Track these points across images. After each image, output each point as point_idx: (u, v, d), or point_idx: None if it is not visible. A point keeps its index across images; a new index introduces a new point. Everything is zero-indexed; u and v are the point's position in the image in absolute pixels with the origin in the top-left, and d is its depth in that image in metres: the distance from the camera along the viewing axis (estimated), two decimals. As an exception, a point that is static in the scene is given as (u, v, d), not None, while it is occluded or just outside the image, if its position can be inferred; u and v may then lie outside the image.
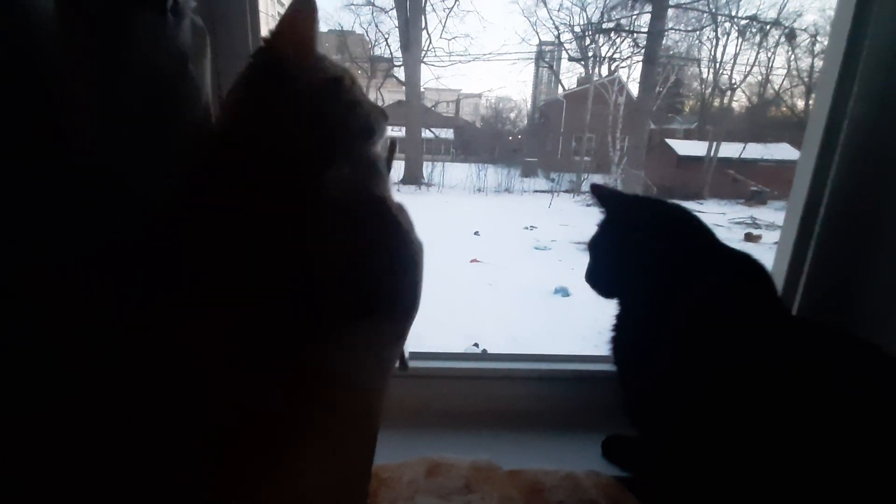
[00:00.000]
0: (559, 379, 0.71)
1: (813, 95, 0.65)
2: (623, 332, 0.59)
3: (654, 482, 0.58)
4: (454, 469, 0.55)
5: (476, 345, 2.66)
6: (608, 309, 0.63)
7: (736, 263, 0.54)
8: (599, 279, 0.60)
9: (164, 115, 0.29)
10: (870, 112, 0.59)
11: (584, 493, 0.55)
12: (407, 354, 0.42)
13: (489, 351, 2.73)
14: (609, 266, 0.59)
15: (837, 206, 0.62)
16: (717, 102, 13.46)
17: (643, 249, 0.54)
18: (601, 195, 0.60)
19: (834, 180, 0.61)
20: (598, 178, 11.27)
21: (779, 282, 0.67)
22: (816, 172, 0.62)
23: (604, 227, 0.61)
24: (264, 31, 0.58)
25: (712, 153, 11.19)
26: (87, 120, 0.26)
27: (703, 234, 0.55)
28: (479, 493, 0.52)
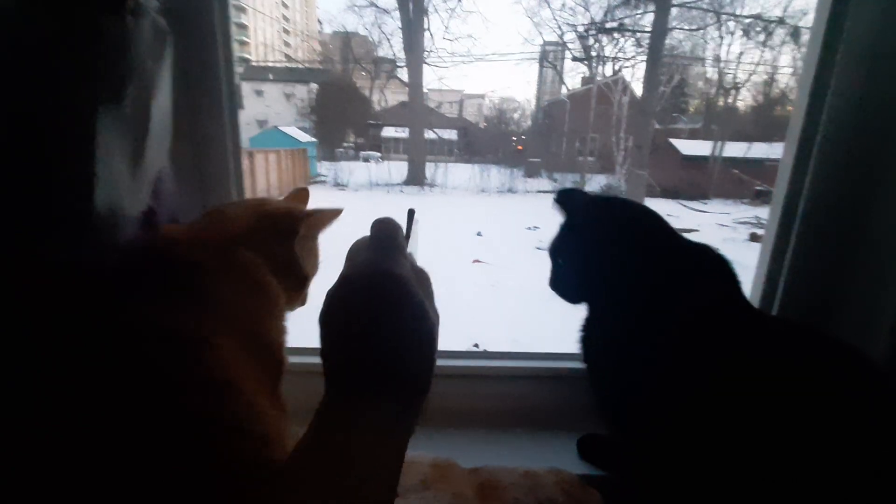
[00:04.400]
0: (536, 377, 0.71)
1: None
2: (592, 334, 0.57)
3: (624, 482, 0.58)
4: (414, 466, 0.54)
5: (476, 345, 2.65)
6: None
7: (699, 259, 0.53)
8: (564, 285, 0.58)
9: (117, 119, 0.29)
10: (847, 108, 0.58)
11: (542, 491, 0.54)
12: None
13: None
14: (573, 271, 0.58)
15: (817, 205, 0.61)
16: (721, 102, 13.42)
17: (606, 251, 0.53)
18: (563, 199, 0.58)
19: (812, 179, 0.61)
20: (601, 179, 11.25)
21: (760, 280, 0.67)
22: (795, 171, 0.62)
23: (565, 230, 0.59)
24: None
25: (717, 153, 11.13)
26: (52, 124, 0.26)
27: (663, 230, 0.54)
28: (434, 490, 0.51)
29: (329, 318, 0.30)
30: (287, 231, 0.40)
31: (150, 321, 0.29)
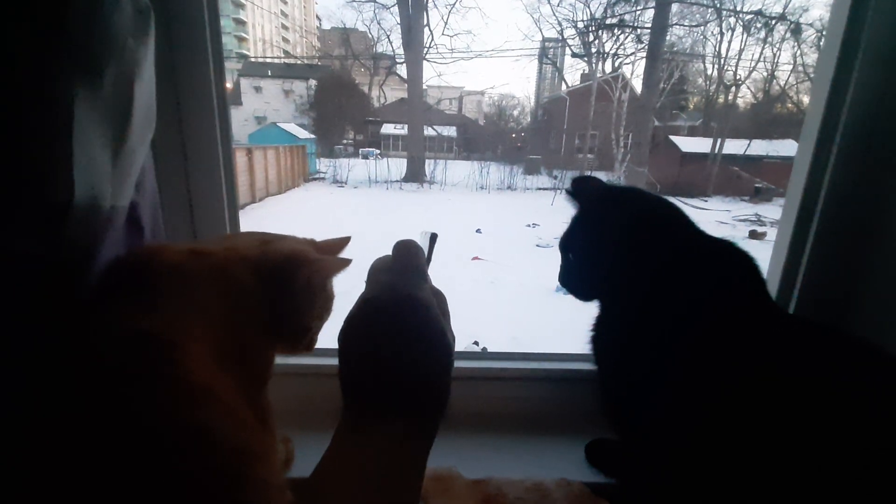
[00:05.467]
0: (543, 379, 0.69)
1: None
2: (603, 333, 0.55)
3: (634, 490, 0.55)
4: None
5: (476, 343, 2.64)
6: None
7: (722, 255, 0.50)
8: (575, 281, 0.55)
9: (96, 102, 0.27)
10: (868, 108, 0.56)
11: None
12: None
13: (489, 350, 2.71)
14: (585, 266, 0.54)
15: (835, 204, 0.59)
16: (721, 99, 13.42)
17: (620, 244, 0.50)
18: (576, 189, 0.55)
19: (831, 177, 0.59)
20: (600, 176, 11.20)
21: (775, 280, 0.65)
22: (813, 169, 0.60)
23: (577, 222, 0.55)
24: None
25: (717, 150, 11.14)
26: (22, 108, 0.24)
27: (683, 223, 0.51)
28: (434, 505, 0.49)
29: (350, 340, 0.31)
30: (285, 278, 0.37)
31: (119, 321, 0.27)
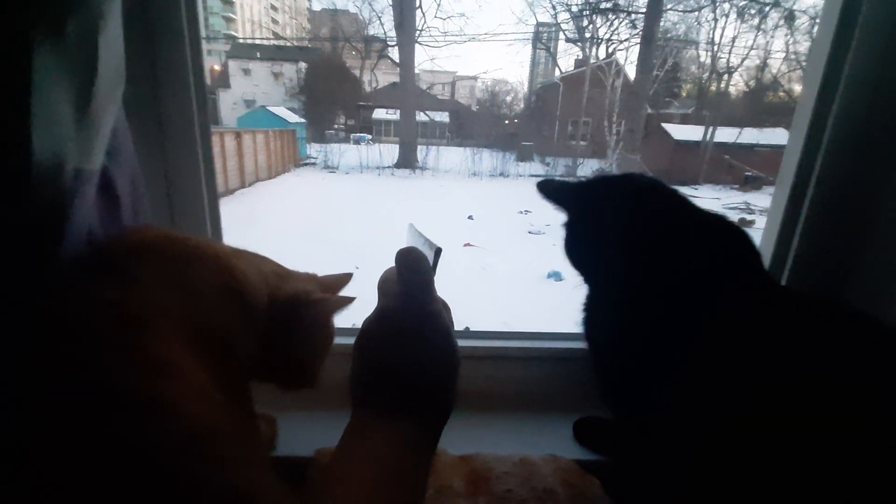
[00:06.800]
0: (530, 358, 0.69)
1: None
2: (597, 310, 0.54)
3: (623, 467, 0.56)
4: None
5: (468, 329, 2.66)
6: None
7: (715, 229, 0.50)
8: (592, 278, 0.54)
9: (58, 56, 0.25)
10: (860, 97, 0.57)
11: (538, 481, 0.51)
12: None
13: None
14: (593, 264, 0.54)
15: (825, 192, 0.60)
16: (714, 87, 13.40)
17: (615, 223, 0.50)
18: (549, 193, 0.55)
19: (821, 165, 0.59)
20: (594, 163, 11.22)
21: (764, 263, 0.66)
22: (803, 157, 0.60)
23: (570, 227, 0.55)
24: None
25: (709, 138, 11.16)
26: None
27: (672, 200, 0.51)
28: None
29: (365, 347, 0.33)
30: (290, 316, 0.38)
31: (88, 292, 0.27)
